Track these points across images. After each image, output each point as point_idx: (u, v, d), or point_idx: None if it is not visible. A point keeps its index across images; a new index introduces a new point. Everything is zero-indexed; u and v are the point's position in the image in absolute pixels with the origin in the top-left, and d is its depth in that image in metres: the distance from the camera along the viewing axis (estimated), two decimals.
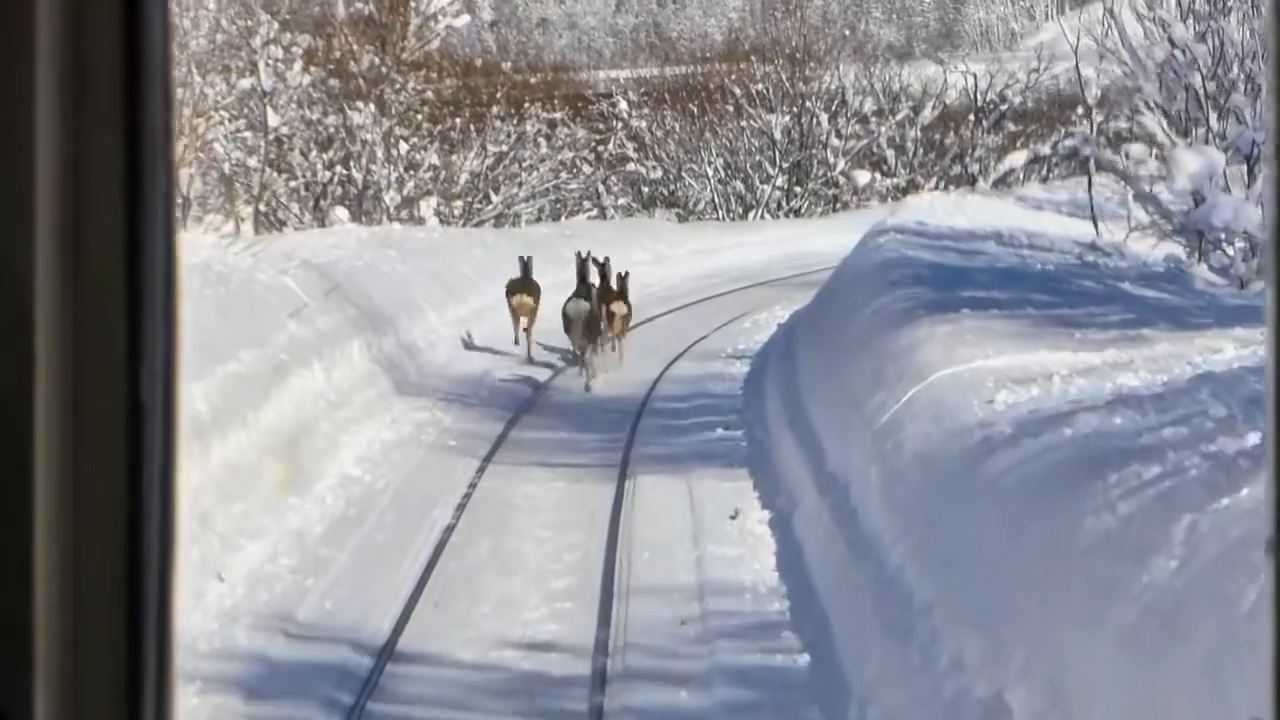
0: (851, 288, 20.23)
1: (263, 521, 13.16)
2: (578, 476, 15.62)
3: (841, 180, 52.14)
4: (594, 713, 9.55)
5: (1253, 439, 8.10)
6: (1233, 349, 12.03)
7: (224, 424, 13.88)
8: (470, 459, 16.37)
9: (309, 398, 16.77)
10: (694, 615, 11.13)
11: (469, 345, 23.63)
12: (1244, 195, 21.79)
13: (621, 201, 50.44)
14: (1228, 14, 23.90)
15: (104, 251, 1.75)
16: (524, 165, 41.66)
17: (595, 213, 47.21)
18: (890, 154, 53.67)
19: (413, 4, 37.06)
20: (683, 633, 10.80)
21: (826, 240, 38.61)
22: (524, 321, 23.08)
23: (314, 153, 35.39)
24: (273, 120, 33.14)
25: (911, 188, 50.68)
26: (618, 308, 22.36)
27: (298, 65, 33.67)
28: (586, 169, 47.23)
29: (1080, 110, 37.77)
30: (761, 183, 50.85)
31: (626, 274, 22.89)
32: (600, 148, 49.50)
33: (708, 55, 63.15)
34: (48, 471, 1.71)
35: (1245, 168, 22.72)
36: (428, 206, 35.93)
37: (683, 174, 51.48)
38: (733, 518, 13.68)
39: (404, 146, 36.19)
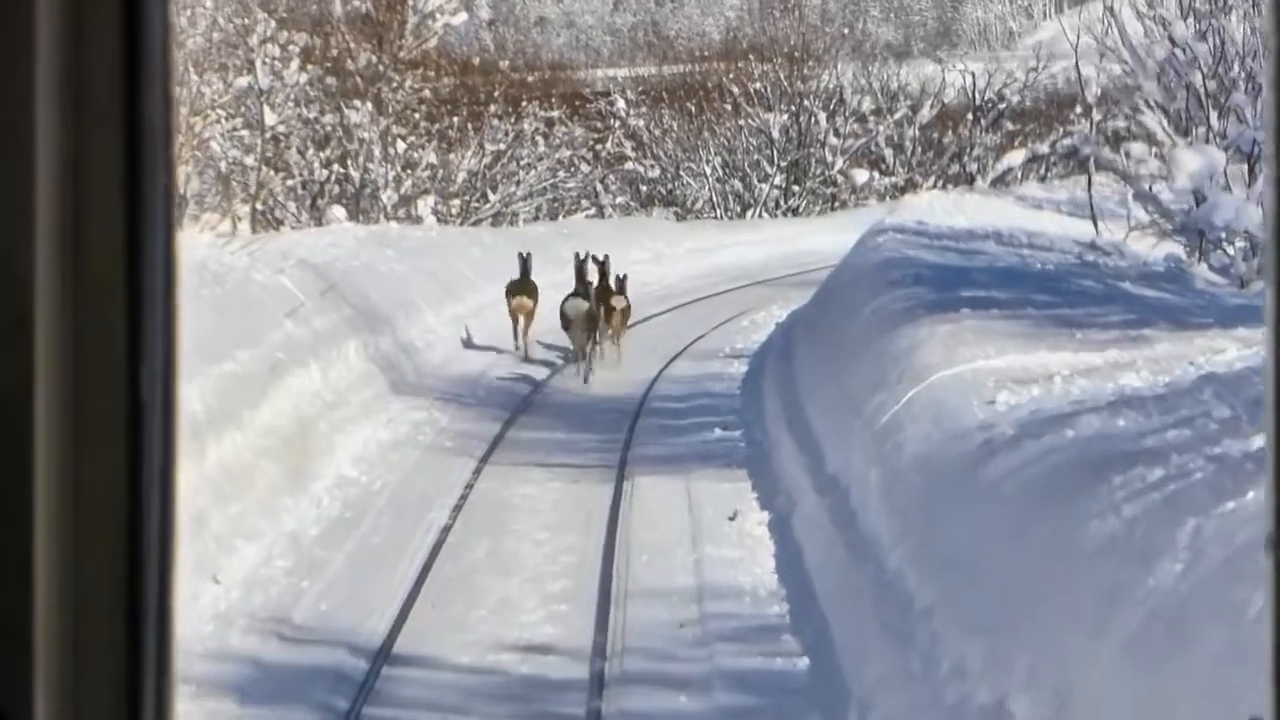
0: (850, 287, 20.17)
1: (258, 523, 13.09)
2: (575, 477, 15.56)
3: (839, 179, 52.08)
4: (592, 717, 9.49)
5: (1258, 442, 8.01)
6: (1235, 349, 11.95)
7: (219, 424, 13.80)
8: (467, 459, 16.31)
9: (305, 398, 16.68)
10: (693, 618, 11.06)
11: (468, 344, 23.58)
12: (1245, 194, 21.72)
13: (619, 200, 50.36)
14: (1229, 12, 23.83)
15: (104, 251, 1.76)
16: (522, 164, 41.58)
17: (593, 211, 47.14)
18: (888, 153, 53.60)
19: (410, 2, 36.99)
20: (681, 636, 10.72)
21: (824, 239, 38.58)
22: (523, 323, 23.03)
23: (311, 151, 35.31)
24: (269, 119, 33.05)
25: (910, 187, 50.61)
26: (617, 302, 22.36)
27: (295, 63, 33.59)
28: (584, 168, 47.16)
29: (1079, 109, 37.71)
30: (759, 181, 50.78)
31: (624, 276, 22.86)
32: (598, 146, 49.43)
33: (706, 54, 63.09)
34: (47, 471, 1.72)
35: (1246, 167, 22.64)
36: (425, 205, 35.85)
37: (681, 173, 51.41)
38: (731, 519, 13.61)
39: (401, 145, 36.11)
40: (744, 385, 20.86)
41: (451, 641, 10.69)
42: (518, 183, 41.24)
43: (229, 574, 11.86)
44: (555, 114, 44.75)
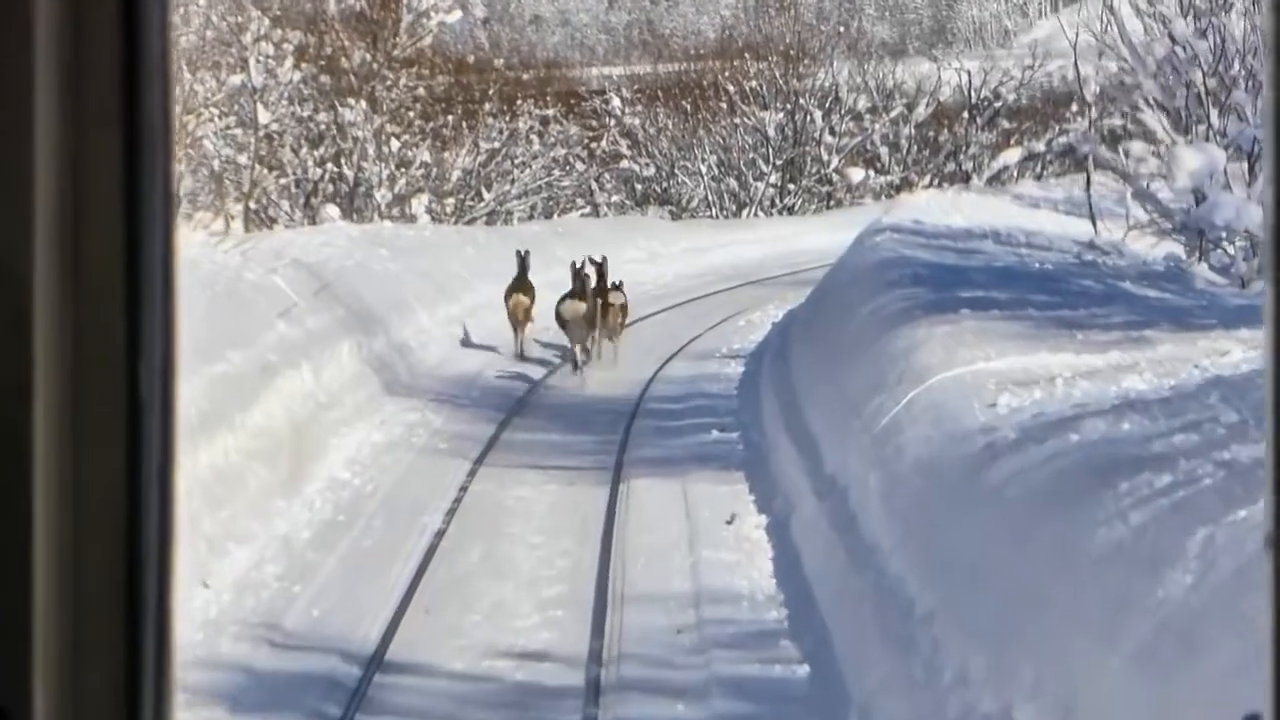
0: (848, 287, 20.05)
1: (249, 526, 12.96)
2: (571, 480, 15.43)
3: (835, 178, 51.99)
4: None
5: None
6: (1240, 351, 11.82)
7: (211, 426, 13.66)
8: (462, 461, 16.18)
9: (298, 399, 16.55)
10: (690, 623, 10.93)
11: (464, 343, 23.49)
12: (1245, 193, 21.59)
13: (614, 199, 50.26)
14: (1229, 10, 23.70)
15: (103, 250, 1.77)
16: (516, 162, 41.48)
17: (588, 210, 47.00)
18: (884, 151, 53.51)
19: (405, 0, 36.87)
20: (678, 642, 10.60)
21: (820, 238, 38.49)
22: (522, 324, 22.94)
23: (305, 150, 35.19)
24: (263, 117, 32.94)
25: (905, 185, 50.51)
26: (615, 298, 22.29)
27: (288, 62, 33.49)
28: (579, 166, 47.06)
29: (1075, 107, 37.58)
30: (755, 180, 50.68)
31: (620, 283, 22.81)
32: (593, 145, 49.34)
33: (701, 52, 63.11)
34: (46, 470, 1.73)
35: (1246, 165, 22.51)
36: (419, 204, 35.74)
37: (676, 171, 51.31)
38: (729, 523, 13.47)
39: (395, 143, 36.00)
40: (741, 386, 20.75)
41: (445, 647, 10.57)
42: (512, 181, 41.14)
43: (220, 578, 11.73)
44: (550, 112, 44.68)
